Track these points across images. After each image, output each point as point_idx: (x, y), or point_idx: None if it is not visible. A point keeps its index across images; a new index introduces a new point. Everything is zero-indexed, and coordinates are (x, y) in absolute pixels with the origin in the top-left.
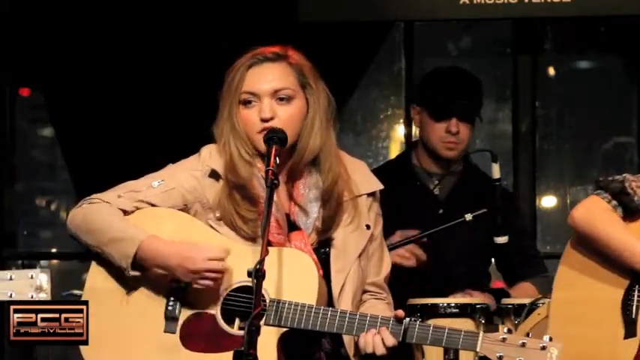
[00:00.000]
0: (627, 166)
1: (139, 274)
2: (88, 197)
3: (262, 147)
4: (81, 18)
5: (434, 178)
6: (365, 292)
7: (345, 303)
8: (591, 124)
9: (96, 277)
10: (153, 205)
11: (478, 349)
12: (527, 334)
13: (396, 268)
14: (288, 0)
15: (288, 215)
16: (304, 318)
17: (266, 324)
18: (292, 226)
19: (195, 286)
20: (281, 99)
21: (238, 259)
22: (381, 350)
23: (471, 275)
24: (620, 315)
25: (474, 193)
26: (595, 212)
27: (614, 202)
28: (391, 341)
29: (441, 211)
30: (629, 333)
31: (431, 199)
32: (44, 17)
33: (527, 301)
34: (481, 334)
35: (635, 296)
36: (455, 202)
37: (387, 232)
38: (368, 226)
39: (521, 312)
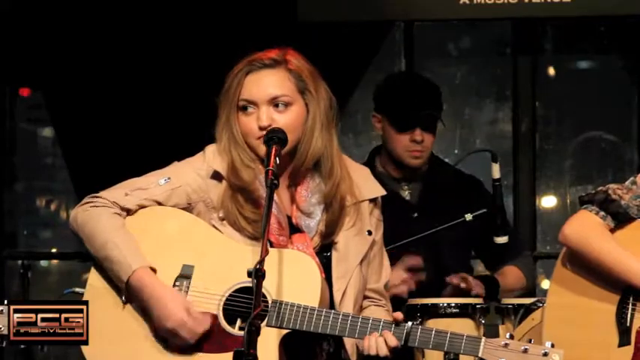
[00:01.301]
0: (627, 166)
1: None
2: (94, 194)
3: (261, 152)
4: (81, 18)
5: (402, 183)
6: (365, 297)
7: (346, 308)
8: (591, 124)
9: (97, 277)
10: (158, 203)
11: (480, 354)
12: (530, 340)
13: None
14: (287, 0)
15: (290, 218)
16: (306, 320)
17: (268, 325)
18: (295, 229)
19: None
20: (278, 106)
21: (239, 260)
22: (383, 352)
23: (456, 269)
24: (614, 322)
25: (445, 191)
26: (586, 228)
27: (602, 213)
28: (394, 342)
29: (415, 214)
30: (624, 341)
31: (402, 205)
32: (44, 17)
33: (525, 301)
34: (483, 339)
35: (630, 305)
36: (427, 203)
37: None
38: (369, 232)
39: (523, 314)
